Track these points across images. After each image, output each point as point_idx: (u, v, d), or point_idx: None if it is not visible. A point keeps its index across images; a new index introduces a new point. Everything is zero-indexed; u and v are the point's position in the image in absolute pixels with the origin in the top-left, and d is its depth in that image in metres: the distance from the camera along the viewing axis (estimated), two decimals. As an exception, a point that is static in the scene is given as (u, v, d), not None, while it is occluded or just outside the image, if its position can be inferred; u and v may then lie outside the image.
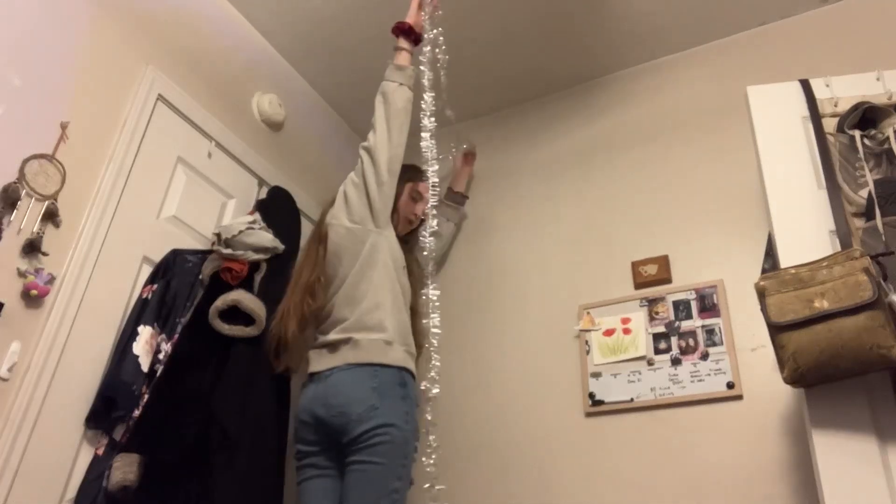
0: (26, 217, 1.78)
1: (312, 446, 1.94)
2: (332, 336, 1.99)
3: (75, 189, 1.92)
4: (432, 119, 2.00)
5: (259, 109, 2.69)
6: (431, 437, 1.79)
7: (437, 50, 2.14)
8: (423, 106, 2.01)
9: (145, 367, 1.92)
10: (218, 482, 1.89)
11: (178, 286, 2.08)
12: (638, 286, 2.40)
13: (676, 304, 2.30)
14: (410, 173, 2.26)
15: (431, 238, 1.96)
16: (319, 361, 1.99)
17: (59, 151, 1.89)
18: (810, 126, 1.84)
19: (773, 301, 1.55)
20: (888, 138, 1.71)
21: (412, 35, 2.17)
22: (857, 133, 1.76)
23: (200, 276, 2.14)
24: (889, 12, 2.37)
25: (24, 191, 1.77)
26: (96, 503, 1.78)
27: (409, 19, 2.18)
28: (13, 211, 1.74)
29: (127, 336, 1.94)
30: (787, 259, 1.68)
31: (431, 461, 1.75)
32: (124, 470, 1.77)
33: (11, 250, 1.74)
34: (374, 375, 1.90)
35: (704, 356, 2.19)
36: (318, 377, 1.97)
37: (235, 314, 2.07)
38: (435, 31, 2.16)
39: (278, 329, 2.05)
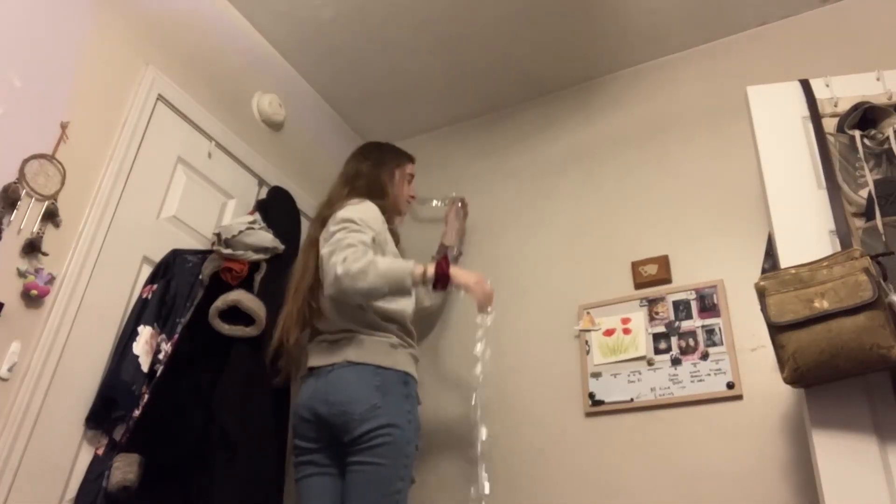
0: (26, 217, 1.78)
1: (312, 443, 1.92)
2: (335, 335, 1.97)
3: (75, 189, 1.92)
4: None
5: (259, 109, 2.69)
6: None
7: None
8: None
9: (145, 367, 1.92)
10: (218, 482, 1.89)
11: (178, 286, 2.09)
12: (638, 286, 2.40)
13: (676, 304, 2.30)
14: (399, 157, 2.25)
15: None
16: (320, 356, 1.96)
17: (59, 151, 1.89)
18: (810, 126, 1.84)
19: (773, 301, 1.55)
20: (888, 138, 1.71)
21: (443, 282, 1.94)
22: (857, 133, 1.76)
23: (200, 276, 2.14)
24: (889, 12, 2.37)
25: (24, 191, 1.77)
26: (96, 503, 1.78)
27: (451, 272, 1.94)
28: (13, 211, 1.74)
29: (127, 336, 1.94)
30: (787, 259, 1.68)
31: None
32: (124, 470, 1.77)
33: (11, 250, 1.74)
34: (377, 374, 1.88)
35: (704, 356, 2.19)
36: (318, 372, 1.94)
37: (235, 314, 2.07)
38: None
39: (282, 336, 2.01)
